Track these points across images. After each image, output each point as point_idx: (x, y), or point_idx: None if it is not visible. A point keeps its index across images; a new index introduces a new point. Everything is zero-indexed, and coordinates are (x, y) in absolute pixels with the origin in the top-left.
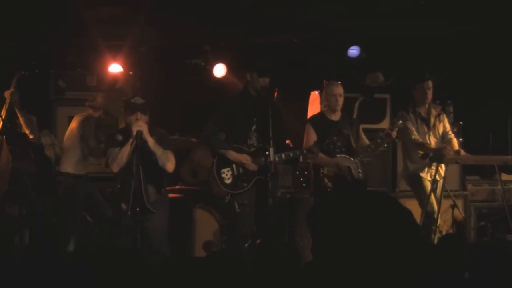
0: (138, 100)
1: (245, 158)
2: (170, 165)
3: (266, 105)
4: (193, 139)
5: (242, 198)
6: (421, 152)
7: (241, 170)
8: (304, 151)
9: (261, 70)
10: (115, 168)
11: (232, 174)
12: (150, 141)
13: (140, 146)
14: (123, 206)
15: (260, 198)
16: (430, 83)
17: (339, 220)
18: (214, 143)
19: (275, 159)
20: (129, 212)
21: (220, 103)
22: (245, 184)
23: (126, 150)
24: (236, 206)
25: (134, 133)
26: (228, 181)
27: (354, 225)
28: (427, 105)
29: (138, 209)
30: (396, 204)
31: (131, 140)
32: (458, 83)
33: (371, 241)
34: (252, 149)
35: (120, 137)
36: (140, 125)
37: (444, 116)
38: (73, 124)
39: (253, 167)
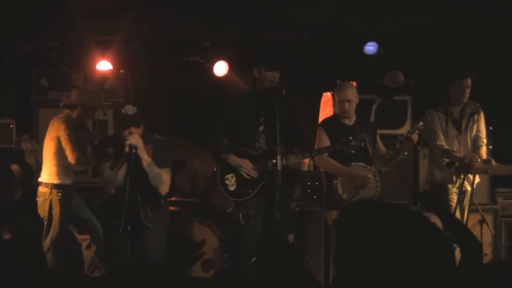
0: (130, 110)
1: (244, 163)
2: (163, 188)
3: (274, 103)
4: (194, 145)
5: (248, 209)
6: (446, 160)
7: (244, 176)
8: (317, 152)
9: (270, 63)
10: (112, 191)
11: (236, 180)
12: (145, 160)
13: (134, 162)
14: (116, 222)
15: (268, 209)
16: (469, 81)
17: (368, 231)
18: (216, 148)
19: (286, 162)
20: (120, 230)
21: (225, 103)
22: (250, 191)
23: (121, 170)
24: (241, 217)
25: (127, 149)
26: (232, 188)
27: (384, 239)
28: (461, 106)
29: (129, 228)
30: (430, 224)
31: (123, 159)
32: (487, 84)
33: (400, 259)
34: (259, 152)
35: (111, 150)
36: (135, 138)
37: (481, 115)
38: (51, 128)
39: (253, 173)
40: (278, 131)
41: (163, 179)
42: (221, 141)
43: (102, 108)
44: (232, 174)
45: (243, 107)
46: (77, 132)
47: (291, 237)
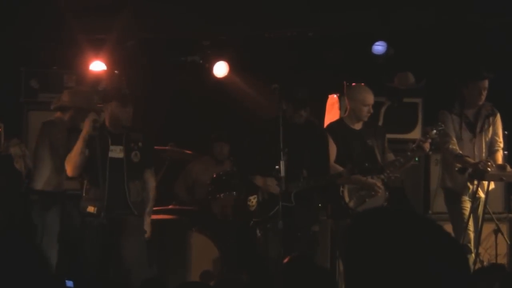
0: (126, 90)
1: (270, 181)
2: (153, 190)
3: (302, 134)
4: (189, 152)
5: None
6: (458, 165)
7: (266, 196)
8: (333, 177)
9: (300, 102)
10: (74, 171)
11: (258, 201)
12: None
13: (101, 134)
14: (90, 208)
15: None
16: (486, 83)
17: (382, 242)
18: (245, 169)
19: (302, 181)
20: (102, 215)
21: (255, 125)
22: (268, 211)
23: (78, 145)
24: (258, 231)
25: (91, 124)
26: (252, 209)
27: (398, 250)
28: (476, 108)
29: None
30: (444, 232)
31: (82, 134)
32: (502, 85)
33: (414, 269)
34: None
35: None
36: (93, 115)
37: (498, 117)
38: (41, 133)
39: (276, 191)
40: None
41: (150, 186)
42: (249, 162)
43: (95, 109)
44: (255, 196)
45: (269, 135)
46: (70, 136)
47: None
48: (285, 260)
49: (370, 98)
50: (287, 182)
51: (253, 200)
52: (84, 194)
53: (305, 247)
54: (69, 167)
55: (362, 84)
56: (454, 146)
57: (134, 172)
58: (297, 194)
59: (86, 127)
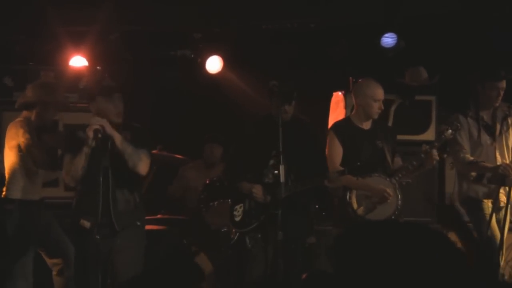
0: (109, 81)
1: (255, 187)
2: (142, 166)
3: (290, 134)
4: (179, 156)
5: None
6: (473, 174)
7: (252, 204)
8: (330, 176)
9: (283, 96)
10: (71, 183)
11: (243, 209)
12: (117, 137)
13: (104, 147)
14: (84, 223)
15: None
16: (504, 83)
17: (368, 257)
18: (232, 178)
19: (290, 185)
20: (96, 230)
21: (245, 129)
22: (253, 221)
23: (81, 159)
24: (247, 241)
25: (91, 134)
26: (237, 219)
27: (388, 265)
28: (492, 109)
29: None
30: (445, 241)
31: (85, 147)
32: None
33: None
34: (272, 180)
35: (81, 134)
36: (99, 121)
37: None
38: (8, 136)
39: (262, 199)
40: (297, 153)
41: (141, 157)
42: (236, 169)
43: (64, 102)
44: (241, 205)
45: (256, 137)
46: (40, 136)
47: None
48: (303, 277)
49: (380, 93)
50: (273, 188)
51: (239, 209)
52: (75, 204)
53: (299, 261)
54: (69, 180)
55: (371, 79)
56: (466, 154)
57: (122, 179)
58: (289, 201)
59: (87, 139)
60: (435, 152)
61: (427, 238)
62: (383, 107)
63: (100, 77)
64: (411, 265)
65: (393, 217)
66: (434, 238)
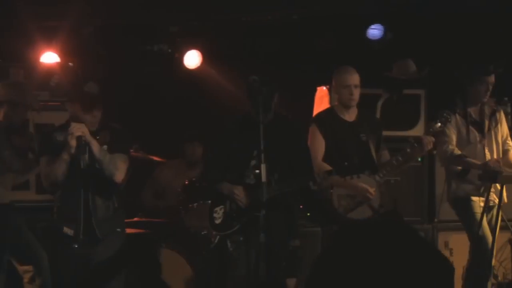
0: (93, 87)
1: (237, 189)
2: (119, 175)
3: (272, 133)
4: (156, 158)
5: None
6: (458, 168)
7: (233, 206)
8: (317, 178)
9: (265, 92)
10: (49, 188)
11: (224, 211)
12: (95, 146)
13: (82, 153)
14: (67, 230)
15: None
16: (493, 78)
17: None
18: (211, 179)
19: (273, 186)
20: (81, 237)
21: (223, 128)
22: (235, 223)
23: (61, 165)
24: (229, 245)
25: (73, 142)
26: (218, 221)
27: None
28: (479, 105)
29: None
30: (421, 242)
31: (65, 153)
32: None
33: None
34: (254, 182)
35: (60, 137)
36: (79, 127)
37: (502, 114)
38: None
39: (243, 202)
40: (278, 151)
41: (118, 165)
42: (216, 170)
43: (34, 102)
44: (222, 206)
45: (236, 135)
46: (9, 137)
47: (291, 282)
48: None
49: (349, 79)
50: (256, 189)
51: (219, 211)
52: (56, 211)
53: (283, 265)
54: (48, 184)
55: (345, 66)
56: (453, 146)
57: (100, 186)
58: (272, 202)
59: (70, 147)
60: (430, 139)
61: (397, 237)
62: (354, 93)
63: (78, 78)
64: (384, 265)
65: (374, 215)
66: (405, 237)
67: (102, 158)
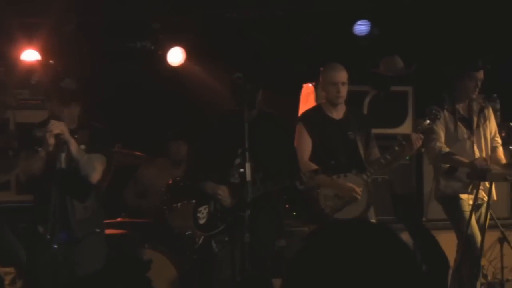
0: (70, 83)
1: (221, 189)
2: (94, 176)
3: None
4: (139, 154)
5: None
6: (446, 165)
7: (218, 206)
8: (303, 178)
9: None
10: (23, 180)
11: (208, 212)
12: (73, 145)
13: (59, 152)
14: (40, 228)
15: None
16: (482, 74)
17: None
18: (194, 177)
19: (258, 185)
20: (48, 236)
21: (206, 124)
22: (220, 223)
23: (37, 161)
24: (214, 245)
25: (52, 141)
26: (202, 221)
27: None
28: (467, 101)
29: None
30: (398, 243)
31: (42, 150)
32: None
33: None
34: (239, 180)
35: (40, 133)
36: (58, 125)
37: (490, 110)
38: None
39: (227, 202)
40: (264, 149)
41: (95, 166)
42: (200, 168)
43: (11, 100)
44: (206, 206)
45: (220, 133)
46: None
47: (277, 283)
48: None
49: (337, 76)
50: (240, 188)
51: (203, 211)
52: (33, 210)
53: (269, 265)
54: (24, 178)
55: (332, 63)
56: (441, 144)
57: (77, 185)
58: (258, 201)
59: (48, 145)
60: (418, 136)
61: (377, 238)
62: (341, 91)
63: (55, 74)
64: (363, 267)
65: (361, 215)
66: (385, 239)
67: (80, 157)
